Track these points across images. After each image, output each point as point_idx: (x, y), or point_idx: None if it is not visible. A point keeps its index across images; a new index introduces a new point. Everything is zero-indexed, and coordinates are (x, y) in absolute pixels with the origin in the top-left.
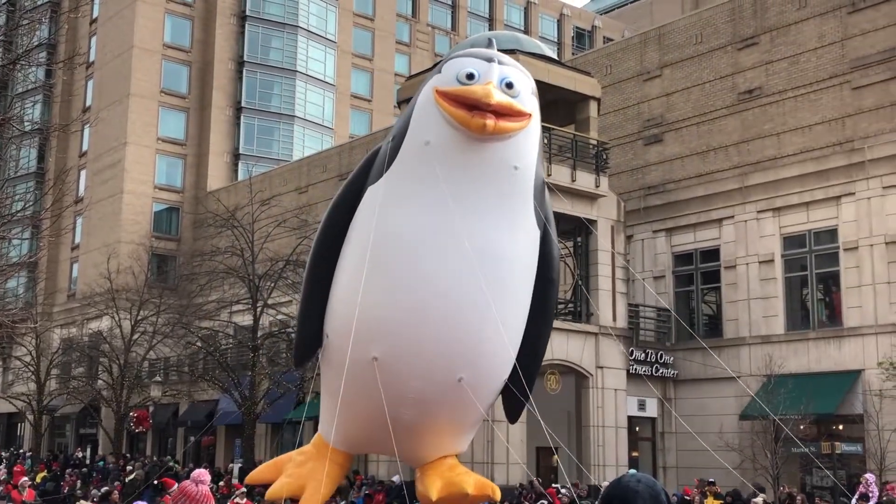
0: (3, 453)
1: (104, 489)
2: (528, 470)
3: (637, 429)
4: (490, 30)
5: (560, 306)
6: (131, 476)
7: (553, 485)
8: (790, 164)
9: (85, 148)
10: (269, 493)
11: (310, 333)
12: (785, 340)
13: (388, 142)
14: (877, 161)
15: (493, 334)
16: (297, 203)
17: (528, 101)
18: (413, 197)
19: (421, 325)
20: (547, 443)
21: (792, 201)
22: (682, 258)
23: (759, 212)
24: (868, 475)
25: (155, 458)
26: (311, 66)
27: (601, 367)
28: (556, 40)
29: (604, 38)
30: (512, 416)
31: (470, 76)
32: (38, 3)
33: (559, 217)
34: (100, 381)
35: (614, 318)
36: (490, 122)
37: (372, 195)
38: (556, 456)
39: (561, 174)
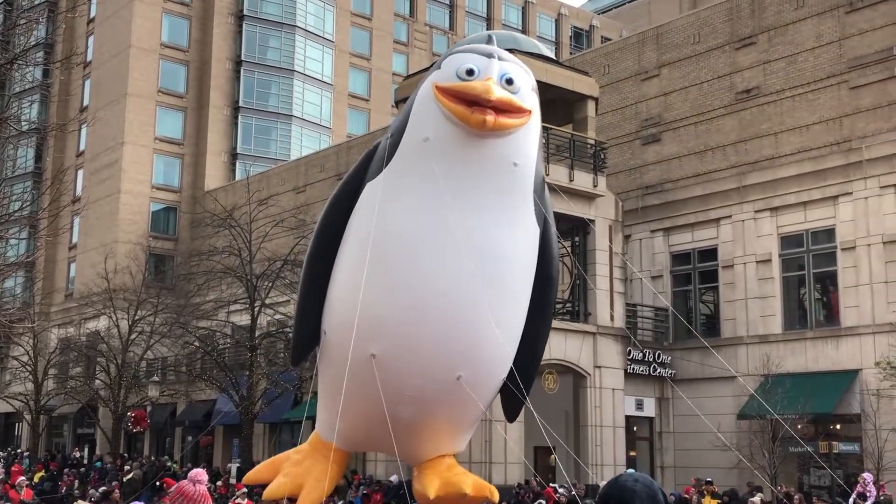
0: (0, 453)
1: (102, 489)
2: (531, 467)
3: (635, 428)
4: (488, 29)
5: (558, 306)
6: (129, 476)
7: (551, 484)
8: (788, 163)
9: (82, 148)
10: (267, 493)
11: (307, 331)
12: (782, 340)
13: (387, 138)
14: (874, 161)
15: (492, 332)
16: (295, 203)
17: (529, 97)
18: (412, 193)
19: (420, 323)
20: (545, 442)
21: (789, 201)
22: (679, 258)
23: (756, 211)
24: (866, 474)
25: (153, 458)
26: (308, 66)
27: (599, 367)
28: (553, 40)
29: (601, 37)
30: (510, 415)
31: (470, 72)
32: (36, 2)
33: (557, 217)
34: (97, 381)
35: (612, 318)
36: (490, 118)
37: (370, 192)
38: (553, 455)
39: (559, 174)
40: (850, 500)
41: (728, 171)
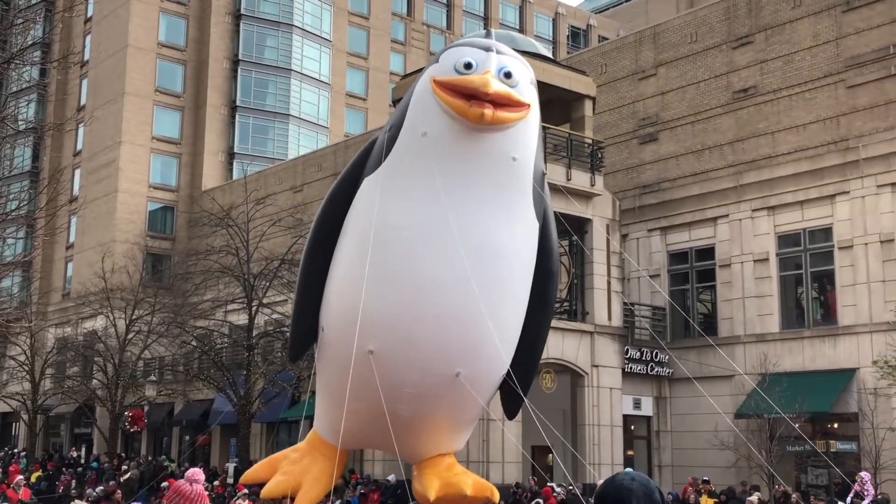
0: None
1: (100, 488)
2: (537, 466)
3: (632, 427)
4: (485, 29)
5: (556, 305)
6: (126, 476)
7: (549, 483)
8: (785, 162)
9: (79, 147)
10: (265, 492)
11: (305, 328)
12: (780, 339)
13: (385, 132)
14: (871, 160)
15: (491, 328)
16: (292, 202)
17: (527, 91)
18: (409, 188)
19: (418, 319)
20: (542, 442)
21: (786, 200)
22: (677, 257)
23: (753, 210)
24: (863, 473)
25: (150, 458)
26: (306, 65)
27: (596, 366)
28: (551, 39)
29: (599, 36)
30: (510, 413)
31: (468, 66)
32: (33, 1)
33: (555, 216)
34: (94, 381)
35: (609, 317)
36: (488, 111)
37: (368, 187)
38: (551, 454)
39: (556, 173)
40: (848, 499)
41: (725, 171)
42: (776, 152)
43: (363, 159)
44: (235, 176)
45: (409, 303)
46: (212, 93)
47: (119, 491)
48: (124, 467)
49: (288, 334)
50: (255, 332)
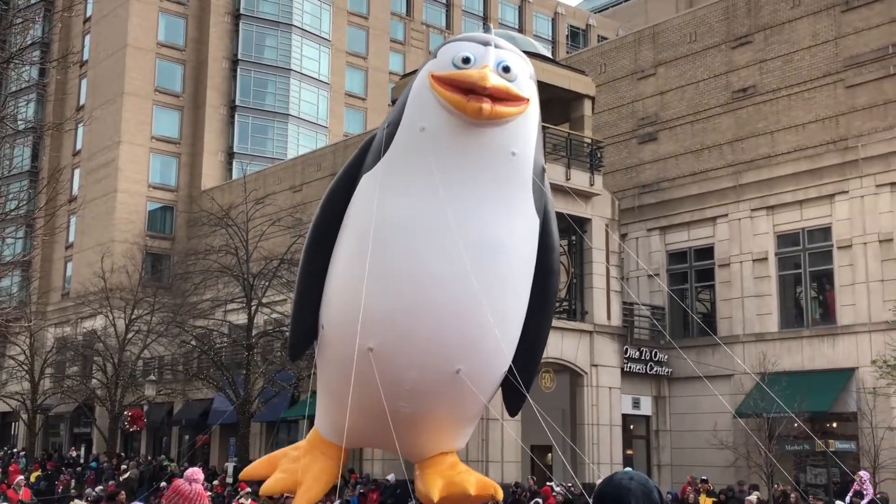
0: None
1: (99, 487)
2: (539, 463)
3: (631, 427)
4: (484, 26)
5: (555, 304)
6: (126, 475)
7: (548, 483)
8: (784, 162)
9: (79, 147)
10: (264, 489)
11: (305, 326)
12: (779, 338)
13: (383, 128)
14: (870, 159)
15: (491, 324)
16: (292, 202)
17: (526, 85)
18: (408, 184)
19: (417, 315)
20: (541, 441)
21: (786, 199)
22: (676, 256)
23: (752, 210)
24: (863, 472)
25: (149, 458)
26: (305, 65)
27: (596, 366)
28: (550, 39)
29: (598, 36)
30: (512, 410)
31: (466, 60)
32: (32, 1)
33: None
34: (94, 381)
35: (608, 317)
36: (486, 105)
37: (367, 183)
38: (550, 454)
39: (555, 173)
40: (847, 499)
41: (724, 170)
42: (775, 152)
43: (361, 156)
44: (235, 176)
45: (408, 299)
46: (211, 92)
47: (123, 492)
48: (123, 467)
49: (287, 333)
50: (254, 332)
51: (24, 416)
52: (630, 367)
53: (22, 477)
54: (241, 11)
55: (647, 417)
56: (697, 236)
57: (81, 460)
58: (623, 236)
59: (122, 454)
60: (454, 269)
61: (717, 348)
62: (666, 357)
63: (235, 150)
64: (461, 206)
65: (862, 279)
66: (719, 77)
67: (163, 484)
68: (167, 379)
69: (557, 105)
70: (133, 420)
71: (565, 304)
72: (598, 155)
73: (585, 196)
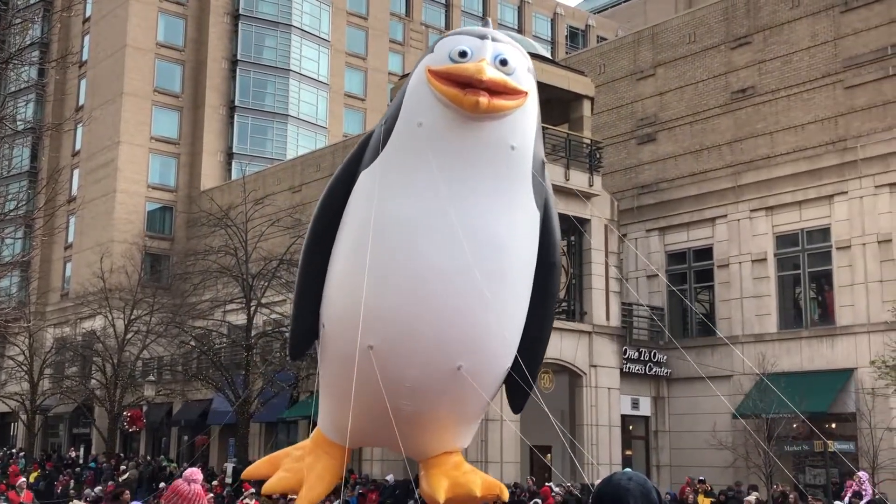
0: None
1: (98, 488)
2: (545, 461)
3: (630, 427)
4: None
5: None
6: (125, 476)
7: (547, 483)
8: (783, 163)
9: (78, 147)
10: (266, 487)
11: (305, 324)
12: (778, 339)
13: (381, 125)
14: (869, 160)
15: (492, 320)
16: (291, 202)
17: (524, 78)
18: (406, 179)
19: (418, 311)
20: (540, 441)
21: (785, 200)
22: (675, 257)
23: (751, 211)
24: (861, 473)
25: (148, 458)
26: (304, 65)
27: (595, 366)
28: (549, 39)
29: (597, 37)
30: (515, 407)
31: (462, 54)
32: (31, 1)
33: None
34: (93, 381)
35: (608, 317)
36: (483, 99)
37: (364, 180)
38: (549, 455)
39: (554, 173)
40: (846, 499)
41: (723, 171)
42: (774, 152)
43: (360, 153)
44: (234, 176)
45: (408, 295)
46: (210, 93)
47: (127, 492)
48: (123, 467)
49: (287, 334)
50: (253, 332)
51: (24, 417)
52: (629, 368)
53: (24, 479)
54: (241, 12)
55: (646, 418)
56: (696, 237)
57: (80, 461)
58: (622, 237)
59: (122, 455)
60: (454, 264)
61: (716, 349)
62: (665, 358)
63: (235, 150)
64: (460, 202)
65: (861, 280)
66: (718, 78)
67: (161, 484)
68: (166, 379)
69: (557, 105)
70: (132, 420)
71: (564, 304)
72: (598, 155)
73: (585, 197)
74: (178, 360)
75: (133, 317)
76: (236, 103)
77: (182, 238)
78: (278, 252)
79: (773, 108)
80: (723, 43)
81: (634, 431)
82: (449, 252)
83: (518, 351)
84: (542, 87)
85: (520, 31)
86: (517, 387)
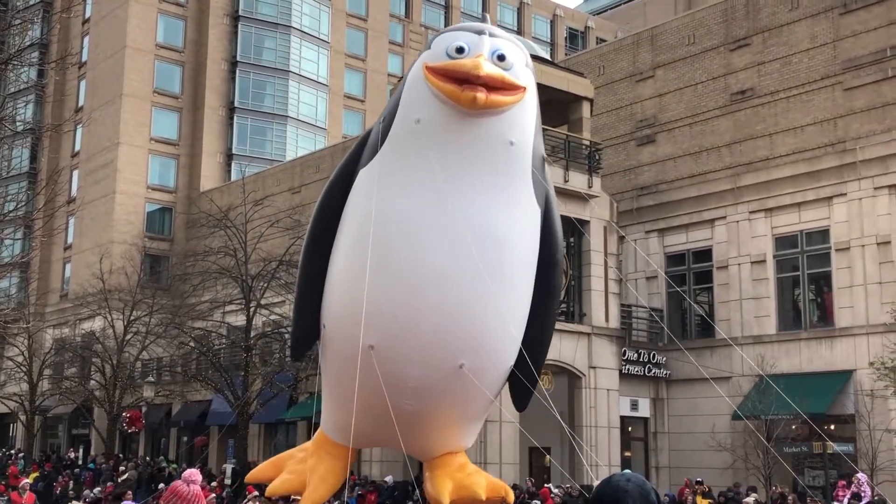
0: None
1: (97, 489)
2: (546, 453)
3: (630, 429)
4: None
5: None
6: (124, 477)
7: (546, 485)
8: (782, 164)
9: (77, 148)
10: (270, 490)
11: (306, 324)
12: (777, 341)
13: (379, 122)
14: (868, 162)
15: (494, 318)
16: (290, 203)
17: (522, 73)
18: (405, 177)
19: (417, 310)
20: (540, 443)
21: (784, 202)
22: (674, 258)
23: (751, 212)
24: (860, 475)
25: (147, 459)
26: (304, 67)
27: (594, 368)
28: (549, 41)
29: (597, 38)
30: (520, 405)
31: (460, 50)
32: (31, 2)
33: None
34: (92, 382)
35: (607, 319)
36: (481, 95)
37: (363, 178)
38: (548, 456)
39: (554, 175)
40: (845, 501)
41: (723, 172)
42: (773, 154)
43: (358, 151)
44: (233, 177)
45: (408, 293)
46: (210, 94)
47: (129, 493)
48: (122, 468)
49: (286, 336)
50: (252, 333)
51: (23, 418)
52: (628, 369)
53: (27, 480)
54: (240, 13)
55: (645, 419)
56: (696, 238)
57: (80, 462)
58: (621, 238)
59: (121, 455)
60: (454, 261)
61: (714, 350)
62: (664, 359)
63: (234, 151)
64: (459, 198)
65: (860, 281)
66: (718, 79)
67: (161, 485)
68: (166, 380)
69: (556, 107)
70: (131, 421)
71: (563, 305)
72: (597, 157)
73: (584, 198)
74: (178, 361)
75: (132, 318)
76: (236, 104)
77: (181, 239)
78: (278, 253)
79: (772, 109)
80: (722, 45)
81: (633, 433)
82: (449, 249)
83: (522, 347)
84: (542, 89)
85: (519, 32)
86: (521, 385)
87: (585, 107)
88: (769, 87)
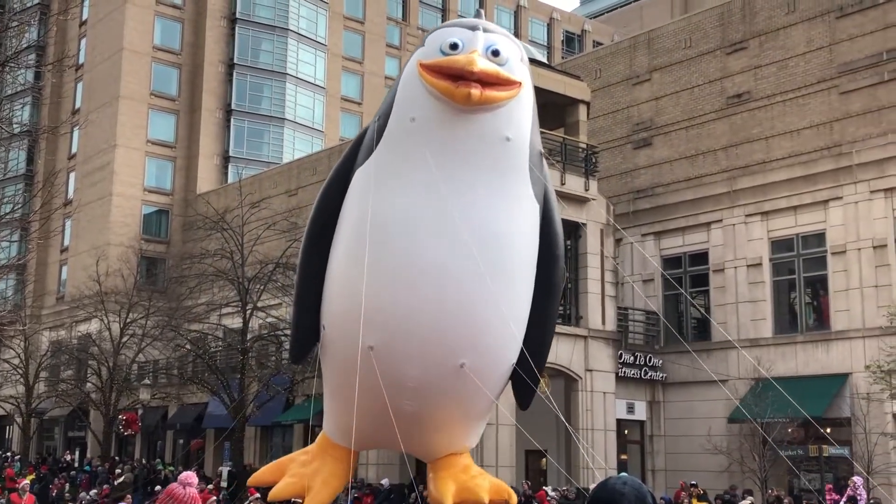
0: None
1: (93, 491)
2: (545, 452)
3: (626, 432)
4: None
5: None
6: (120, 479)
7: (543, 487)
8: (778, 168)
9: (74, 150)
10: (273, 493)
11: (306, 326)
12: (773, 344)
13: (375, 121)
14: (864, 165)
15: (494, 316)
16: (287, 206)
17: (517, 68)
18: (401, 177)
19: (416, 308)
20: (536, 446)
21: (780, 205)
22: (670, 262)
23: (747, 216)
24: (856, 478)
25: (144, 462)
26: (301, 69)
27: (590, 370)
28: (545, 44)
29: (593, 41)
30: (523, 403)
31: (453, 46)
32: (28, 5)
33: None
34: (88, 384)
35: (603, 322)
36: (475, 91)
37: (360, 178)
38: (545, 459)
39: (550, 178)
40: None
41: (719, 176)
42: (770, 157)
43: (354, 152)
44: (230, 179)
45: (407, 292)
46: (207, 96)
47: (129, 496)
48: (118, 471)
49: (283, 338)
50: (249, 336)
51: (19, 420)
52: (624, 372)
53: (27, 482)
54: (237, 15)
55: (641, 422)
56: (692, 241)
57: (76, 464)
58: (618, 241)
59: (117, 458)
60: (453, 259)
61: (711, 353)
62: (661, 362)
63: (231, 153)
64: (456, 196)
65: (856, 285)
66: (714, 83)
67: (157, 488)
68: (162, 383)
69: (552, 110)
70: (128, 424)
71: (560, 308)
72: (593, 160)
73: (580, 201)
74: (174, 363)
75: (129, 320)
76: (233, 107)
77: (178, 241)
78: (274, 255)
79: (768, 113)
80: (718, 48)
81: (630, 436)
82: (447, 247)
83: (524, 344)
84: (538, 92)
85: (516, 35)
86: (523, 384)
87: (582, 110)
88: (765, 91)
